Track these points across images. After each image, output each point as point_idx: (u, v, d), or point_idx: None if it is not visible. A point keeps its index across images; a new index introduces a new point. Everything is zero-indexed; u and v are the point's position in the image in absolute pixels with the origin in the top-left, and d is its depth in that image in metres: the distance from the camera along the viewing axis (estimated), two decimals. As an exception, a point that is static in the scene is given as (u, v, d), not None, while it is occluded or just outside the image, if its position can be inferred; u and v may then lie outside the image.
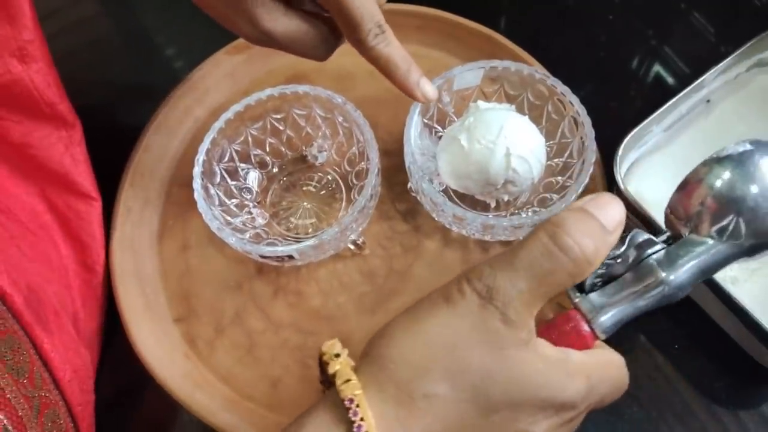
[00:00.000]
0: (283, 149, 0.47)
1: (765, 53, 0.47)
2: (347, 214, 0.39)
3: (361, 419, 0.25)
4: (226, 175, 0.44)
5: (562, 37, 0.54)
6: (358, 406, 0.25)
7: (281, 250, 0.38)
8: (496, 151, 0.39)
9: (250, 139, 0.45)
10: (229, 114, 0.43)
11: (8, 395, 0.28)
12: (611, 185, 0.44)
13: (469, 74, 0.43)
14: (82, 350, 0.37)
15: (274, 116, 0.45)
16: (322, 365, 0.29)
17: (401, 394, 0.26)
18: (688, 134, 0.46)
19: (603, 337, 0.29)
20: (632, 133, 0.42)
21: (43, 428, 0.30)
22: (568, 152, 0.43)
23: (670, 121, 0.45)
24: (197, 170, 0.41)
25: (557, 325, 0.29)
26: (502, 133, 0.39)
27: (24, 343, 0.31)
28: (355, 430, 0.25)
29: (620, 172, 0.41)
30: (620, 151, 0.42)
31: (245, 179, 0.45)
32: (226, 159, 0.44)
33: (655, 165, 0.45)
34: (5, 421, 0.27)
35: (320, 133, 0.46)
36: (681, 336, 0.41)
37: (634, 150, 0.44)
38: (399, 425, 0.26)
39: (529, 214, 0.43)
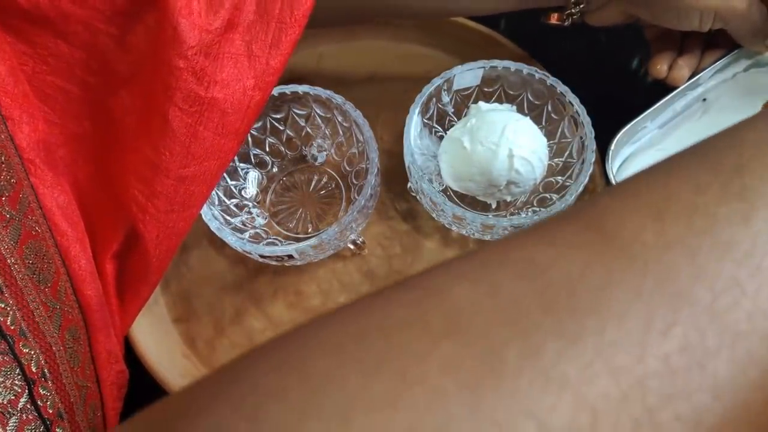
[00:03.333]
0: (283, 149, 0.47)
1: (764, 53, 0.47)
2: (347, 214, 0.39)
3: None
4: (225, 175, 0.44)
5: (562, 38, 0.54)
6: None
7: (281, 250, 0.38)
8: (499, 153, 0.39)
9: (249, 139, 0.45)
10: (228, 114, 0.42)
11: (64, 381, 0.29)
12: (607, 181, 0.44)
13: (469, 74, 0.43)
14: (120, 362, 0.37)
15: (274, 116, 0.45)
16: None
17: None
18: (682, 132, 0.46)
19: None
20: (625, 128, 0.42)
21: (86, 417, 0.30)
22: (567, 152, 0.43)
23: (665, 118, 0.45)
24: (197, 170, 0.41)
25: None
26: (504, 135, 0.39)
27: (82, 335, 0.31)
28: None
29: (612, 168, 0.41)
30: (612, 146, 0.42)
31: (245, 179, 0.45)
32: (226, 159, 0.44)
33: (649, 161, 0.45)
34: (60, 404, 0.28)
35: (320, 133, 0.46)
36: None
37: (627, 145, 0.44)
38: None
39: (529, 213, 0.43)
